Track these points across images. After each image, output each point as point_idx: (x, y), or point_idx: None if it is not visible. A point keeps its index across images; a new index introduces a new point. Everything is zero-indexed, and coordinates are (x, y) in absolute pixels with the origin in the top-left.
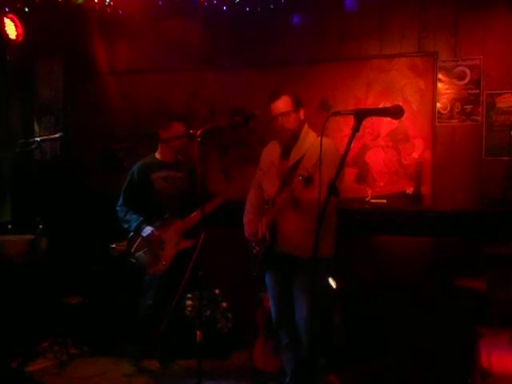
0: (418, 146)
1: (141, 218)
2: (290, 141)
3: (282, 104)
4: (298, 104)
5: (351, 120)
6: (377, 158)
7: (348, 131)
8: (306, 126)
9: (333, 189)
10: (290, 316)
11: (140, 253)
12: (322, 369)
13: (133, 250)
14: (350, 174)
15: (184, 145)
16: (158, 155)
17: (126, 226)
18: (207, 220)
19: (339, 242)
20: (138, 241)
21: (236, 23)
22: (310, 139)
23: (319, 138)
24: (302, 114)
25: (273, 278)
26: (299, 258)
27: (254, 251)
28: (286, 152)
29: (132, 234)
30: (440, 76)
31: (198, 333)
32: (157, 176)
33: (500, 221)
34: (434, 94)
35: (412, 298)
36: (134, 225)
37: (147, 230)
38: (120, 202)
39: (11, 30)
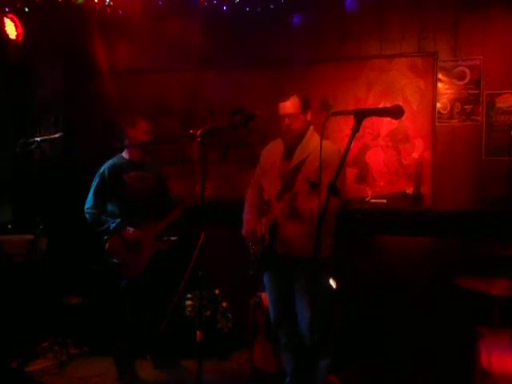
0: (418, 146)
1: (118, 219)
2: (294, 141)
3: (291, 105)
4: (306, 106)
5: (351, 120)
6: (377, 158)
7: (348, 131)
8: (312, 128)
9: (333, 189)
10: (290, 316)
11: (118, 255)
12: (323, 369)
13: (111, 251)
14: (350, 174)
15: (151, 147)
16: (125, 155)
17: (101, 227)
18: (206, 220)
19: (339, 242)
20: (116, 242)
21: (236, 23)
22: (314, 141)
23: (323, 141)
24: (308, 116)
25: (271, 279)
26: (300, 259)
27: (252, 251)
28: (288, 152)
29: (108, 235)
30: (440, 76)
31: (198, 333)
32: (128, 176)
33: (500, 221)
34: (434, 94)
35: (412, 298)
36: (112, 225)
37: (128, 231)
38: (90, 204)
39: (11, 30)
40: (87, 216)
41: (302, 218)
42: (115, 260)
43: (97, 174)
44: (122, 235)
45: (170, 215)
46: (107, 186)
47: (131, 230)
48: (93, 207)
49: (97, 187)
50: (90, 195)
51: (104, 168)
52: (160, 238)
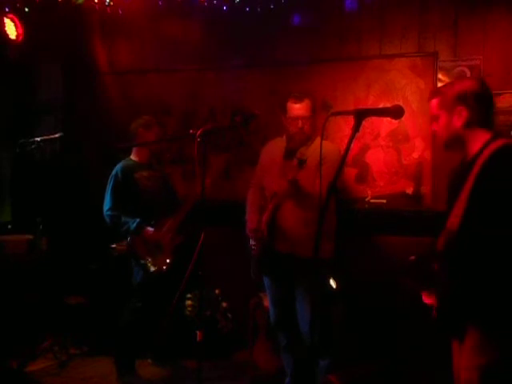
0: (417, 146)
1: (138, 219)
2: (301, 143)
3: (305, 108)
4: (315, 108)
5: (351, 120)
6: (377, 158)
7: (348, 131)
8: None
9: (333, 189)
10: (290, 317)
11: (142, 255)
12: (323, 369)
13: (135, 252)
14: (350, 173)
15: (159, 148)
16: (134, 157)
17: (121, 229)
18: (206, 219)
19: (339, 242)
20: (138, 243)
21: (236, 23)
22: (316, 142)
23: (324, 141)
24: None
25: (272, 279)
26: (300, 258)
27: (253, 252)
28: (290, 152)
29: (129, 236)
30: (440, 76)
31: (198, 333)
32: (140, 176)
33: None
34: None
35: (412, 298)
36: (133, 226)
37: (149, 231)
38: (108, 205)
39: (11, 30)
40: (107, 218)
41: (303, 203)
42: (142, 261)
43: (110, 177)
44: (143, 236)
45: (181, 212)
46: (122, 186)
47: (151, 230)
48: (111, 209)
49: (112, 189)
50: (107, 198)
51: (116, 170)
52: (177, 234)
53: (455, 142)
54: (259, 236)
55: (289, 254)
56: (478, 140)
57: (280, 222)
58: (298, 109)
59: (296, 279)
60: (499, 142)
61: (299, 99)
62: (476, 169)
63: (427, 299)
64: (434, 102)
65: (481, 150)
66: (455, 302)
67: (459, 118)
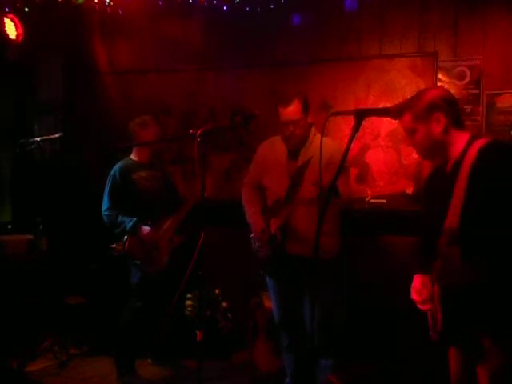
0: None
1: (134, 219)
2: (298, 145)
3: (294, 111)
4: (307, 108)
5: (351, 120)
6: (377, 158)
7: (348, 131)
8: (314, 128)
9: (333, 189)
10: (294, 317)
11: (138, 255)
12: (325, 369)
13: (131, 251)
14: None
15: (159, 148)
16: (133, 157)
17: (118, 229)
18: (206, 219)
19: (339, 242)
20: (134, 243)
21: (236, 23)
22: (317, 141)
23: (325, 139)
24: (309, 117)
25: (278, 279)
26: (311, 259)
27: (260, 254)
28: (293, 153)
29: (126, 236)
30: (440, 76)
31: (198, 333)
32: (138, 176)
33: None
34: None
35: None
36: (129, 225)
37: (145, 230)
38: (106, 205)
39: (11, 30)
40: (105, 218)
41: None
42: (137, 261)
43: (108, 177)
44: (140, 235)
45: (180, 212)
46: (119, 187)
47: (147, 229)
48: (109, 209)
49: (110, 189)
50: (105, 198)
51: (114, 170)
52: (176, 234)
53: (436, 150)
54: (266, 238)
55: (300, 255)
56: (459, 141)
57: (292, 224)
58: (286, 113)
59: (303, 279)
60: (482, 141)
61: (287, 103)
62: (465, 168)
63: (415, 296)
64: (407, 117)
65: (464, 151)
66: (460, 302)
67: (438, 125)
